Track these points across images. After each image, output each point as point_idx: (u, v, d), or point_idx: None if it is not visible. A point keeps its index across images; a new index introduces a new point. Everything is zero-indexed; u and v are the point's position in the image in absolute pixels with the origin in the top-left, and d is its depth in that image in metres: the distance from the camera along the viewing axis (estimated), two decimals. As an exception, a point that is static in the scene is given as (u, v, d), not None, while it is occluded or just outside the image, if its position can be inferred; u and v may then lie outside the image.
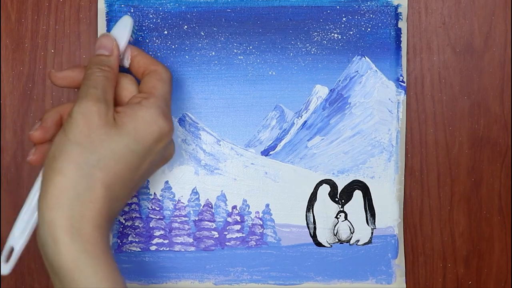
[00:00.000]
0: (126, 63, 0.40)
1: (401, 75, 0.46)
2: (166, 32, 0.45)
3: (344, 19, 0.46)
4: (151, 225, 0.46)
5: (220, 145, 0.46)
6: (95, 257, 0.33)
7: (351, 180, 0.46)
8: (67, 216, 0.33)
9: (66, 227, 0.33)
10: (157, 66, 0.39)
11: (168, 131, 0.37)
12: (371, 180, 0.46)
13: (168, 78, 0.39)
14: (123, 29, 0.40)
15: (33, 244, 0.46)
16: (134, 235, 0.46)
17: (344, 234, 0.46)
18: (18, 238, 0.38)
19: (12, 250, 0.38)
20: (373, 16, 0.46)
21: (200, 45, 0.46)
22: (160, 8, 0.45)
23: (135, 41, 0.44)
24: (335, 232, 0.46)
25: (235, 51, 0.46)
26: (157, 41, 0.45)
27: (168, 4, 0.45)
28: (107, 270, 0.34)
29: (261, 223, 0.46)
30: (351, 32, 0.46)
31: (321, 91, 0.46)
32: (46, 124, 0.38)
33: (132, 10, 0.45)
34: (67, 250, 0.33)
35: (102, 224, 0.34)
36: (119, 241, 0.46)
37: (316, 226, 0.46)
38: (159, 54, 0.45)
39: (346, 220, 0.46)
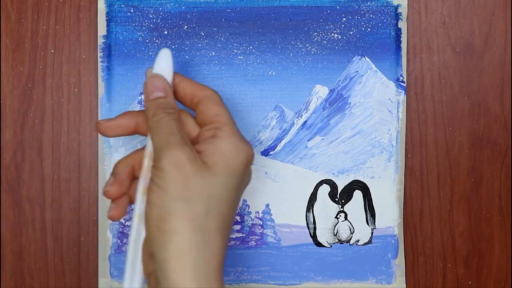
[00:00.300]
0: (170, 82, 0.38)
1: (401, 75, 0.46)
2: (166, 32, 0.45)
3: (344, 19, 0.46)
4: (151, 225, 0.46)
5: (220, 145, 0.46)
6: None
7: (351, 180, 0.46)
8: (192, 279, 0.32)
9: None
10: (206, 91, 0.37)
11: (252, 154, 0.36)
12: (371, 180, 0.46)
13: (221, 99, 0.37)
14: (165, 64, 0.37)
15: (33, 244, 0.46)
16: (134, 235, 0.46)
17: (344, 234, 0.46)
18: None
19: None
20: (373, 16, 0.46)
21: (200, 45, 0.46)
22: (160, 8, 0.45)
23: (138, 42, 0.44)
24: (335, 232, 0.46)
25: (235, 51, 0.46)
26: (157, 41, 0.45)
27: (168, 4, 0.45)
28: None
29: (261, 223, 0.46)
30: (351, 32, 0.46)
31: (321, 91, 0.46)
32: (120, 178, 0.36)
33: (132, 10, 0.45)
34: None
35: (221, 273, 0.33)
36: (119, 241, 0.46)
37: (316, 226, 0.46)
38: (159, 54, 0.45)
39: (346, 220, 0.46)
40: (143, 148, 0.36)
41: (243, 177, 0.35)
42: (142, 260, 0.35)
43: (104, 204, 0.45)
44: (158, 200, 0.32)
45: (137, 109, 0.45)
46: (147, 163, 0.35)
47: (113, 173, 0.37)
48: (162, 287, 0.32)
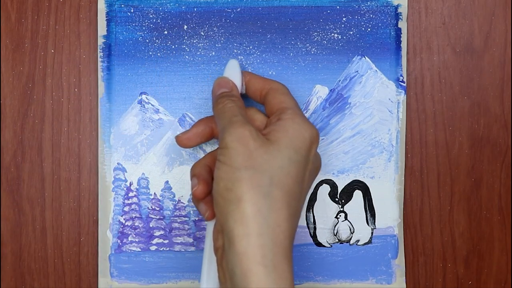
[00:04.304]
0: (243, 90, 0.41)
1: (401, 75, 0.46)
2: (166, 32, 0.45)
3: (344, 19, 0.46)
4: (151, 225, 0.46)
5: (220, 145, 0.46)
6: None
7: (351, 180, 0.46)
8: (258, 246, 0.32)
9: (259, 258, 0.32)
10: (272, 84, 0.39)
11: (317, 134, 0.36)
12: (371, 180, 0.46)
13: (287, 90, 0.39)
14: (233, 71, 0.41)
15: (33, 244, 0.46)
16: (134, 235, 0.46)
17: (344, 234, 0.46)
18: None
19: None
20: (373, 16, 0.46)
21: (200, 45, 0.46)
22: (160, 8, 0.45)
23: (138, 42, 0.44)
24: (335, 232, 0.46)
25: (235, 51, 0.46)
26: (157, 41, 0.45)
27: (168, 4, 0.45)
28: None
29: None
30: (351, 32, 0.46)
31: (321, 91, 0.46)
32: (204, 177, 0.38)
33: (132, 10, 0.45)
34: (259, 282, 0.31)
35: (289, 254, 0.33)
36: (119, 241, 0.46)
37: (316, 226, 0.46)
38: (159, 54, 0.45)
39: (346, 220, 0.46)
40: (216, 150, 0.37)
41: (308, 156, 0.36)
42: (212, 239, 0.36)
43: (104, 204, 0.45)
44: (224, 174, 0.33)
45: (137, 109, 0.45)
46: None
47: (194, 175, 0.38)
48: (229, 257, 0.32)
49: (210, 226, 0.38)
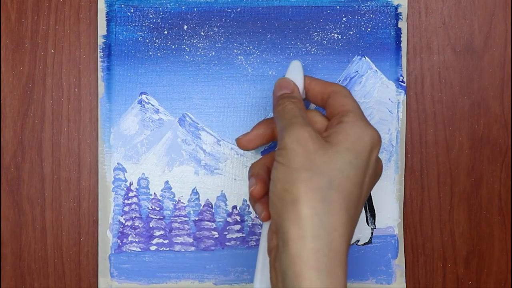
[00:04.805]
0: (303, 94, 0.40)
1: (401, 75, 0.46)
2: (166, 32, 0.45)
3: (344, 19, 0.46)
4: (151, 225, 0.46)
5: (220, 145, 0.46)
6: None
7: (351, 180, 0.46)
8: (313, 249, 0.31)
9: (312, 262, 0.31)
10: (333, 87, 0.38)
11: (379, 138, 0.35)
12: (371, 180, 0.46)
13: (349, 93, 0.38)
14: (296, 71, 0.40)
15: (33, 244, 0.46)
16: (134, 235, 0.46)
17: (344, 234, 0.46)
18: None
19: None
20: (373, 16, 0.46)
21: (200, 45, 0.46)
22: (160, 8, 0.45)
23: (138, 42, 0.44)
24: (335, 232, 0.46)
25: (235, 51, 0.46)
26: (157, 41, 0.45)
27: (168, 4, 0.45)
28: None
29: (261, 223, 0.46)
30: (351, 32, 0.46)
31: (321, 91, 0.46)
32: (262, 178, 0.37)
33: (132, 10, 0.45)
34: (311, 287, 0.31)
35: (344, 260, 0.32)
36: (119, 241, 0.46)
37: (316, 226, 0.46)
38: (159, 54, 0.45)
39: (346, 220, 0.46)
40: (275, 151, 0.37)
41: (369, 161, 0.35)
42: (266, 239, 0.35)
43: (104, 204, 0.46)
44: (282, 175, 0.33)
45: (137, 109, 0.45)
46: None
47: (252, 175, 0.38)
48: (282, 258, 0.32)
49: (265, 226, 0.37)
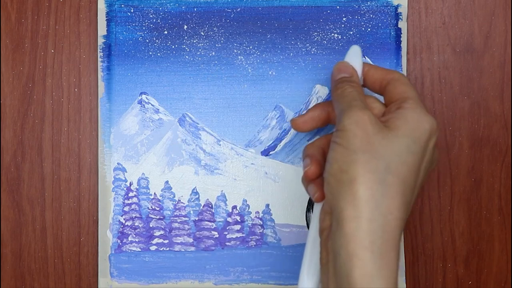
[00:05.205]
0: (361, 81, 0.40)
1: (401, 75, 0.46)
2: (166, 32, 0.45)
3: (344, 19, 0.46)
4: (151, 225, 0.46)
5: (220, 145, 0.46)
6: (389, 283, 0.31)
7: (351, 180, 0.46)
8: (367, 230, 0.31)
9: (366, 243, 0.31)
10: (393, 74, 0.38)
11: (437, 126, 0.35)
12: (371, 180, 0.46)
13: (408, 80, 0.38)
14: (355, 56, 0.40)
15: (33, 244, 0.46)
16: (134, 235, 0.46)
17: (344, 234, 0.46)
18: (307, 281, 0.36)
19: None
20: (373, 16, 0.46)
21: (200, 45, 0.46)
22: (160, 8, 0.45)
23: (138, 42, 0.44)
24: (335, 232, 0.46)
25: (235, 51, 0.46)
26: (157, 41, 0.45)
27: (168, 4, 0.45)
28: None
29: (261, 223, 0.46)
30: (351, 32, 0.46)
31: (321, 91, 0.46)
32: (317, 158, 0.38)
33: (132, 10, 0.45)
34: (364, 268, 0.31)
35: (398, 243, 0.32)
36: (119, 241, 0.46)
37: (316, 226, 0.46)
38: (159, 54, 0.45)
39: (346, 220, 0.46)
40: (331, 134, 0.37)
41: (426, 148, 0.35)
42: (318, 219, 0.36)
43: (104, 204, 0.45)
44: (339, 155, 0.33)
45: (137, 109, 0.45)
46: None
47: (307, 156, 0.38)
48: (335, 237, 0.32)
49: (317, 207, 0.37)
